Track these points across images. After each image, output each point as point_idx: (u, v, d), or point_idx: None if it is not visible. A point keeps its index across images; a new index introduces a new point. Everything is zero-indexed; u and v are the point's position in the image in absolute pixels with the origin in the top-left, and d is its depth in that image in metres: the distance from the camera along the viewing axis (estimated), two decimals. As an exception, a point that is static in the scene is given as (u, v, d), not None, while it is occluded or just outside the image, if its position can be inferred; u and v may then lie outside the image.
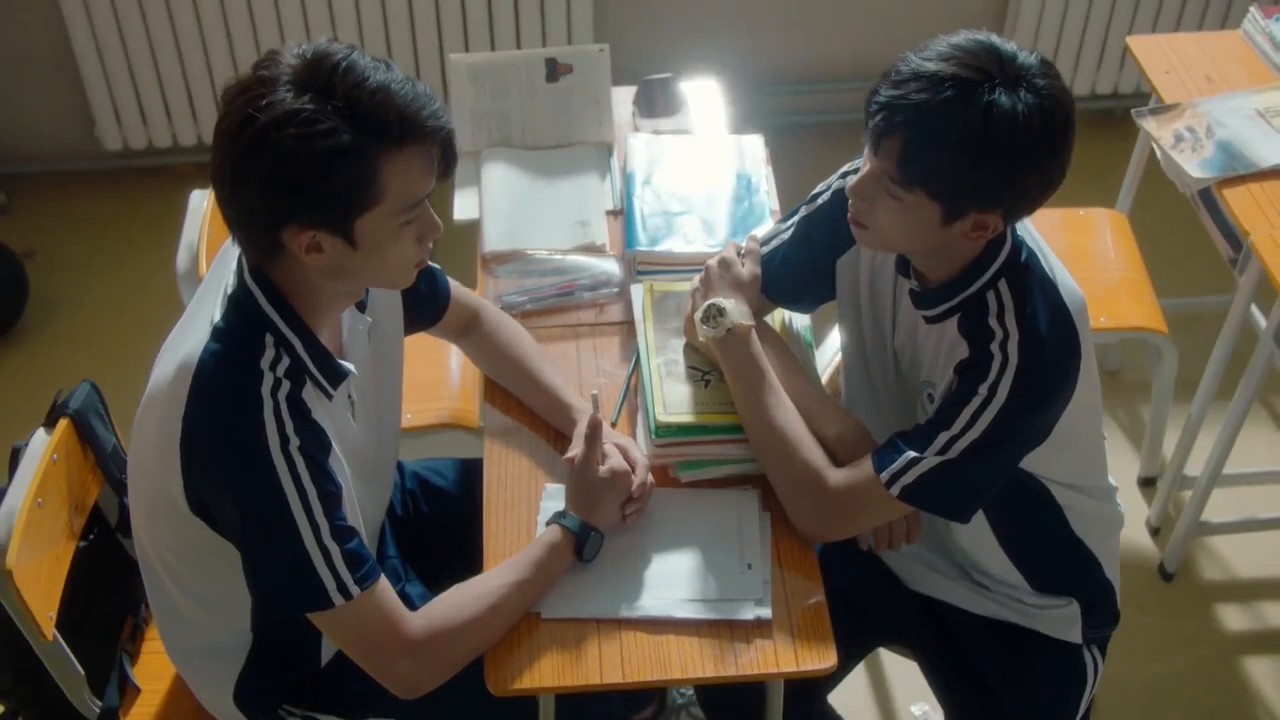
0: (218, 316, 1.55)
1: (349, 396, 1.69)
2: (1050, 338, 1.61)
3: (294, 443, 1.50)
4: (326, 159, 1.40)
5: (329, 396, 1.60)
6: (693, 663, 1.64)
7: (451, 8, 3.36)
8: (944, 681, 1.97)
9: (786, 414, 1.76)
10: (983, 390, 1.61)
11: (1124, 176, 2.88)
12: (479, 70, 2.38)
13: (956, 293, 1.66)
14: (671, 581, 1.72)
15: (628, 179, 2.22)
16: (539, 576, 1.68)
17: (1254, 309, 2.53)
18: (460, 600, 1.65)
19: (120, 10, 3.33)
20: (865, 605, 1.96)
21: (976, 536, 1.86)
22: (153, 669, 2.04)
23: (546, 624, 1.68)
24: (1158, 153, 2.59)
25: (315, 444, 1.54)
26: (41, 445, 1.90)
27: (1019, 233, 1.66)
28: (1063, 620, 1.91)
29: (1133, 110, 2.52)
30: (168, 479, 1.56)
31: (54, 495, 1.88)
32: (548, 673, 1.63)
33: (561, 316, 2.08)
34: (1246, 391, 2.42)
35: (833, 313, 1.91)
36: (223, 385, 1.51)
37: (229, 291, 1.57)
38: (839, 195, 1.81)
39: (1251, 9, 2.64)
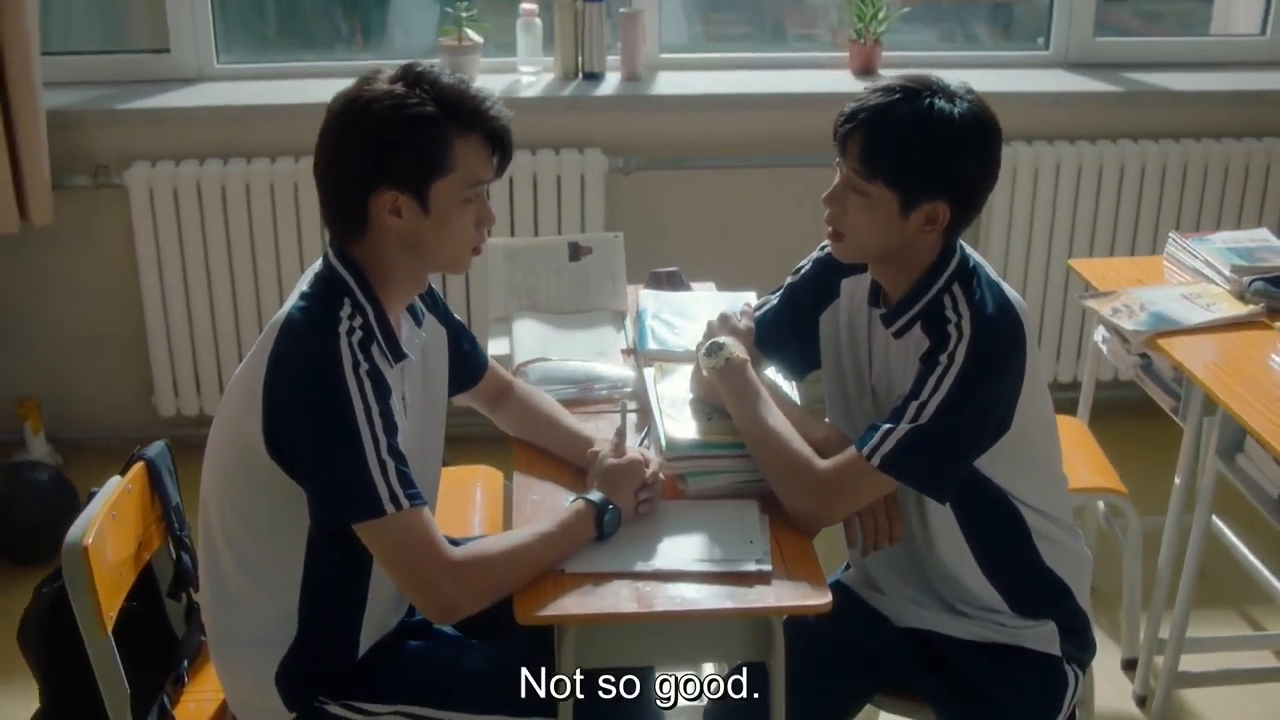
0: (305, 287, 1.88)
1: (402, 397, 1.96)
2: (997, 315, 1.92)
3: (364, 366, 1.78)
4: (412, 123, 1.78)
5: (390, 364, 1.88)
6: (703, 600, 1.83)
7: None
8: (935, 696, 2.09)
9: (778, 419, 2.03)
10: (942, 359, 1.90)
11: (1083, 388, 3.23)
12: (512, 251, 2.80)
13: (917, 300, 1.98)
14: (682, 549, 1.93)
15: (640, 314, 2.58)
16: (563, 534, 1.89)
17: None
18: (492, 540, 1.88)
19: (191, 295, 3.79)
20: (860, 646, 2.13)
21: (957, 556, 2.06)
22: (191, 713, 2.15)
23: (570, 576, 1.86)
24: (1100, 343, 2.96)
25: (380, 379, 1.81)
26: (117, 480, 2.14)
27: (966, 251, 2.01)
28: (1042, 636, 2.08)
29: (1076, 295, 2.91)
30: (248, 423, 1.82)
31: (126, 516, 2.09)
32: (569, 604, 1.81)
33: (582, 406, 2.36)
34: (1198, 534, 2.66)
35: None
36: (306, 327, 1.82)
37: (316, 271, 1.90)
38: (818, 263, 2.18)
39: (1171, 235, 3.10)
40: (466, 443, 2.92)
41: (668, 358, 2.40)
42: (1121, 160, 3.90)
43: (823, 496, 1.96)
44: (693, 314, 2.58)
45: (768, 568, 1.87)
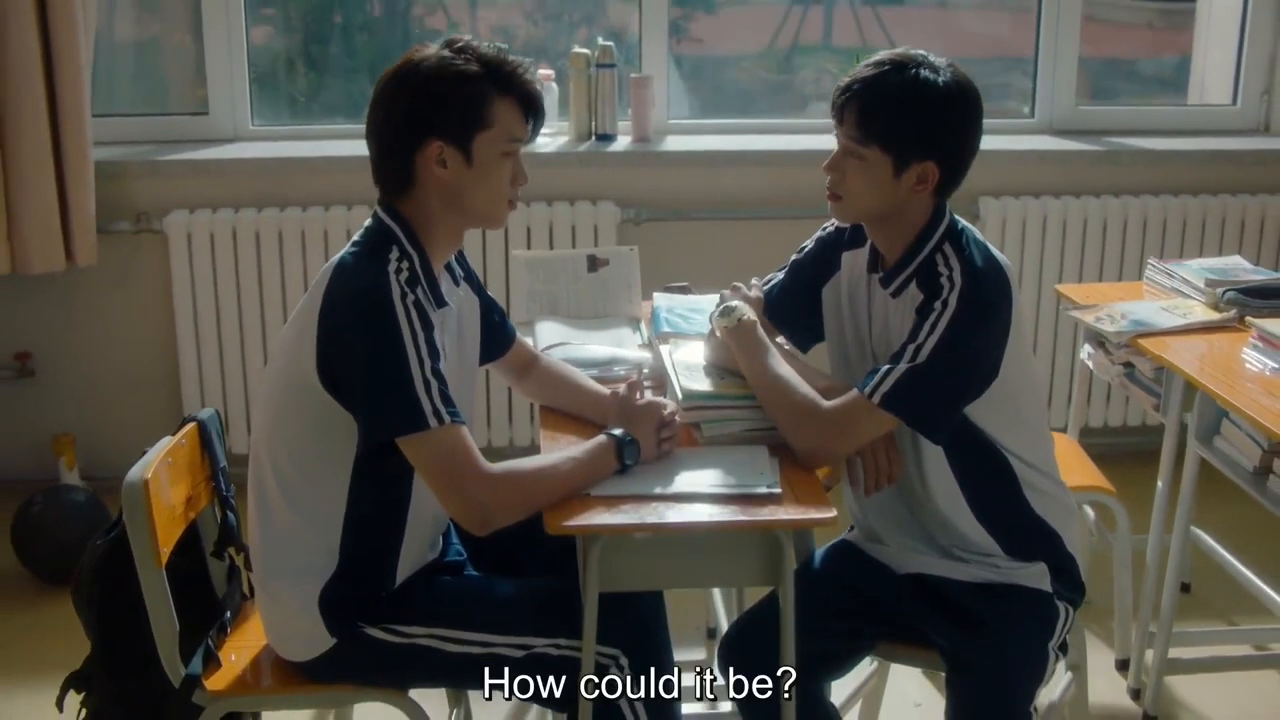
0: (356, 237, 2.07)
1: (441, 345, 2.14)
2: (985, 267, 2.12)
3: (410, 298, 1.97)
4: (458, 79, 2.00)
5: (433, 307, 2.06)
6: (717, 515, 1.99)
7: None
8: (936, 628, 2.22)
9: (785, 369, 2.21)
10: (936, 306, 2.09)
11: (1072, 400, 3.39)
12: (535, 262, 3.00)
13: (912, 260, 2.17)
14: (698, 477, 2.09)
15: (655, 309, 2.76)
16: (588, 459, 2.05)
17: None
18: (524, 460, 2.04)
19: (224, 337, 3.99)
20: (865, 592, 2.28)
21: (952, 504, 2.22)
22: (233, 661, 2.27)
23: (595, 498, 2.02)
24: (1085, 359, 3.14)
25: (424, 314, 1.99)
26: (170, 438, 2.30)
27: (955, 215, 2.20)
28: (1034, 575, 2.22)
29: (1061, 306, 3.11)
30: (301, 354, 2.00)
31: (180, 464, 2.25)
32: (594, 517, 1.97)
33: (603, 383, 2.54)
34: (1182, 519, 2.82)
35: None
36: (357, 266, 2.01)
37: (366, 225, 2.09)
38: (820, 241, 2.39)
39: (1150, 260, 3.31)
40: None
41: (684, 338, 2.58)
42: (1104, 214, 4.15)
43: (827, 434, 2.13)
44: (705, 310, 2.76)
45: (777, 491, 2.03)
